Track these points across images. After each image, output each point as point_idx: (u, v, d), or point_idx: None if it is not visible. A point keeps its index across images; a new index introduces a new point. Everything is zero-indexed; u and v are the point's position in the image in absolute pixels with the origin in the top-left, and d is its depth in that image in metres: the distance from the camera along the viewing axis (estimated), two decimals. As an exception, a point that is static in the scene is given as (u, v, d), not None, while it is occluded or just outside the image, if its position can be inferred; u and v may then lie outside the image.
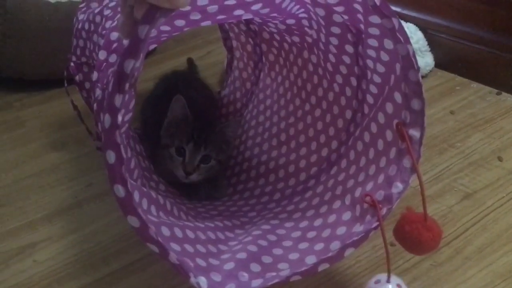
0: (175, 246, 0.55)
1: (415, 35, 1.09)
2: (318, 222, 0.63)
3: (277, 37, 0.76)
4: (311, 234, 0.61)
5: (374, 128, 0.60)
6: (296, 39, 0.72)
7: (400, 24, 0.51)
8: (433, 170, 0.82)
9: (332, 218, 0.62)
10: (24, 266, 0.72)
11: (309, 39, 0.69)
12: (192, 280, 0.51)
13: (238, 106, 0.93)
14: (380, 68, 0.59)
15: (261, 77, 0.87)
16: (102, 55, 0.65)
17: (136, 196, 0.55)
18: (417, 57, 1.06)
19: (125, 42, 0.54)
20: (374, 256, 0.67)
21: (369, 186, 0.59)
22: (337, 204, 0.63)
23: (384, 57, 0.57)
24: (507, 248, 0.67)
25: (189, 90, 0.90)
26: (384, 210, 0.55)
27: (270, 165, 0.79)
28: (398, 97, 0.55)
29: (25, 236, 0.77)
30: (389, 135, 0.58)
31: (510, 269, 0.64)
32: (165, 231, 0.56)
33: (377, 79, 0.60)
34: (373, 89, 0.62)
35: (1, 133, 1.05)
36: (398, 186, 0.55)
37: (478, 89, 1.02)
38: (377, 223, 0.54)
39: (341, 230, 0.59)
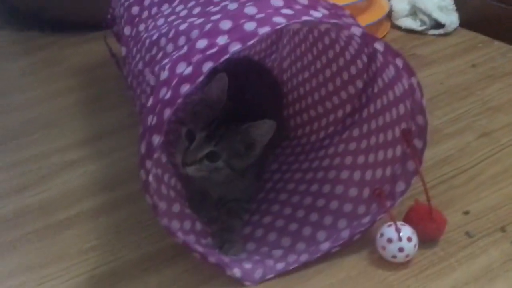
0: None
1: (442, -7, 1.14)
2: (326, 188, 0.68)
3: None
4: (320, 202, 0.67)
5: (388, 117, 0.63)
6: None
7: (405, 62, 0.54)
8: (453, 112, 0.88)
9: (339, 189, 0.67)
10: (75, 175, 0.79)
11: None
12: (228, 273, 0.60)
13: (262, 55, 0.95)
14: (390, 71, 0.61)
15: None
16: (127, 30, 0.71)
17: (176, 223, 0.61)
18: (443, 14, 1.12)
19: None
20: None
21: (379, 173, 0.63)
22: (344, 174, 0.67)
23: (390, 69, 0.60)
24: (519, 177, 0.73)
25: (252, 75, 0.78)
26: (387, 204, 0.61)
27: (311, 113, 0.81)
28: (408, 104, 0.59)
29: (75, 152, 0.84)
30: (397, 131, 0.61)
31: (521, 193, 0.70)
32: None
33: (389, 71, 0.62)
34: (388, 71, 0.63)
35: (44, 68, 1.12)
36: (401, 185, 0.60)
37: (500, 46, 1.07)
38: (382, 215, 0.61)
39: (347, 207, 0.64)
